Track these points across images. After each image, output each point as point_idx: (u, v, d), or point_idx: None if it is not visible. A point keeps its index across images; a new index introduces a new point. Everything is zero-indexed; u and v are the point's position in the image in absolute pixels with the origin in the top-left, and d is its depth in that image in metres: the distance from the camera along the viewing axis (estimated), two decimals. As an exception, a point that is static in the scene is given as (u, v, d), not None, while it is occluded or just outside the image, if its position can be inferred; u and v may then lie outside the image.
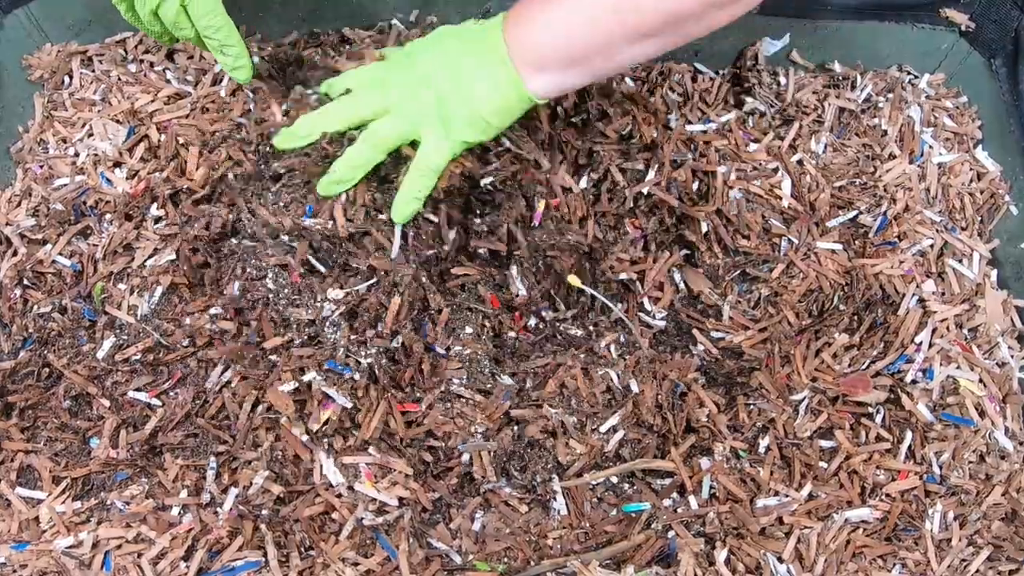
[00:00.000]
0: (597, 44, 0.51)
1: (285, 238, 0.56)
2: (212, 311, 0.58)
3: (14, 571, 0.52)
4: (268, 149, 0.57)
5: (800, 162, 0.67)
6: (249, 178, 0.60)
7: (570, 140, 0.61)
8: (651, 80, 0.71)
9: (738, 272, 0.65)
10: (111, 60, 0.71)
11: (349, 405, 0.54)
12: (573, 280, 0.59)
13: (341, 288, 0.55)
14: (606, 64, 0.52)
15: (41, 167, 0.66)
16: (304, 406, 0.54)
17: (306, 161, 0.55)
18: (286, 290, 0.56)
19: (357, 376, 0.54)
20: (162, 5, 0.56)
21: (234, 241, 0.60)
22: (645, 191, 0.61)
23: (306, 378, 0.54)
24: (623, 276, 0.62)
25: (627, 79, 0.71)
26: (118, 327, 0.59)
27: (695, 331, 0.63)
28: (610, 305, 0.61)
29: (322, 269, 0.56)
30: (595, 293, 0.60)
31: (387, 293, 0.55)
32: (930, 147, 0.69)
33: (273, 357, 0.56)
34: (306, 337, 0.55)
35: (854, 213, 0.66)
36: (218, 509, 0.53)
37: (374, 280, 0.55)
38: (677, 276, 0.64)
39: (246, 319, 0.57)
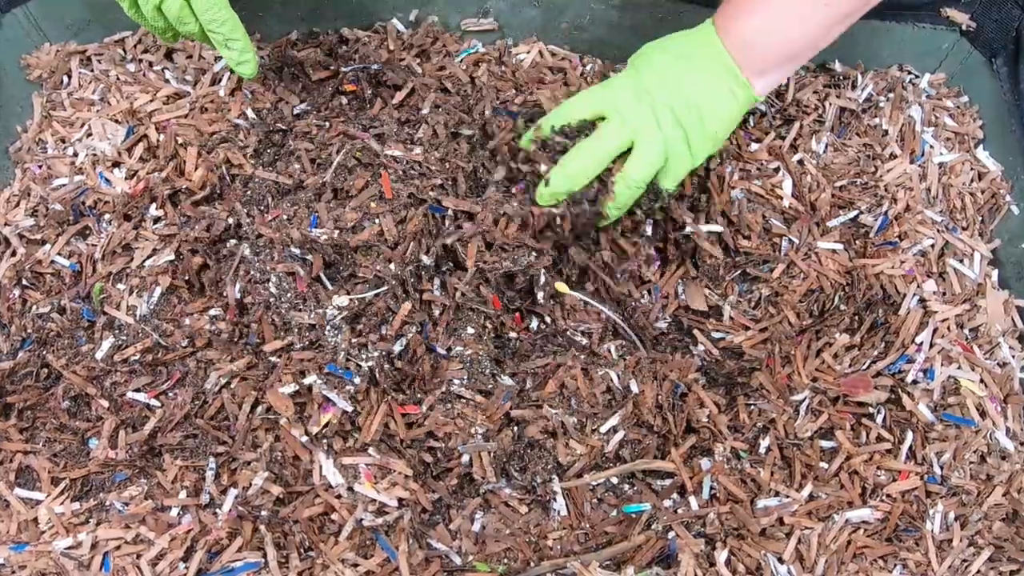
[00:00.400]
0: (814, 38, 0.53)
1: (296, 250, 0.56)
2: (212, 312, 0.58)
3: (13, 572, 0.51)
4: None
5: (801, 162, 0.67)
6: (248, 181, 0.60)
7: None
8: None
9: (738, 272, 0.65)
10: (110, 60, 0.70)
11: (350, 409, 0.54)
12: (561, 287, 0.59)
13: (348, 295, 0.55)
14: (816, 52, 0.55)
15: (40, 167, 0.66)
16: (304, 408, 0.54)
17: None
18: (289, 294, 0.56)
19: (358, 380, 0.54)
20: (166, 0, 0.55)
21: (234, 242, 0.60)
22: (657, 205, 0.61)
23: (307, 381, 0.54)
24: (632, 291, 0.62)
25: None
26: (117, 327, 0.59)
27: (695, 331, 0.63)
28: (609, 313, 0.61)
29: (329, 286, 0.56)
30: (587, 299, 0.60)
31: (395, 299, 0.55)
32: (931, 147, 0.68)
33: (273, 359, 0.56)
34: (307, 341, 0.55)
35: (855, 213, 0.66)
36: (217, 510, 0.53)
37: (384, 288, 0.55)
38: (680, 287, 0.64)
39: (246, 321, 0.57)
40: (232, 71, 0.68)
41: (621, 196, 0.56)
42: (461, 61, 0.71)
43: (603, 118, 0.56)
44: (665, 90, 0.54)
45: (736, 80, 0.54)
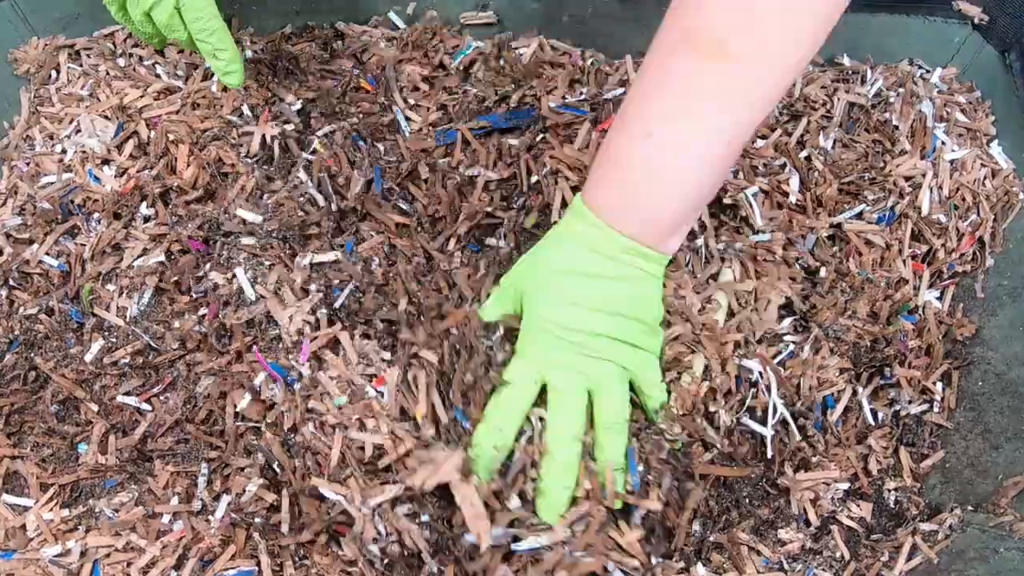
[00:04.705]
0: (715, 184, 0.46)
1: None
2: (201, 312, 0.57)
3: (0, 581, 0.51)
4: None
5: (808, 158, 0.66)
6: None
7: None
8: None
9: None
10: (99, 54, 0.69)
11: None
12: None
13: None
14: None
15: (27, 164, 0.64)
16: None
17: None
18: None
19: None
20: (155, 7, 0.55)
21: (226, 241, 0.58)
22: None
23: (256, 382, 0.53)
24: None
25: (632, 73, 0.69)
26: (106, 329, 0.58)
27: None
28: None
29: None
30: None
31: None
32: (942, 143, 0.67)
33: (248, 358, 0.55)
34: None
35: (860, 208, 0.64)
36: (210, 517, 0.52)
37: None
38: None
39: (228, 322, 0.56)
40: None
41: (618, 447, 0.47)
42: (458, 62, 0.70)
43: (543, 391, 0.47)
44: (582, 318, 0.46)
45: (655, 269, 0.47)
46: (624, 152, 0.45)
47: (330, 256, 0.58)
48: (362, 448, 0.50)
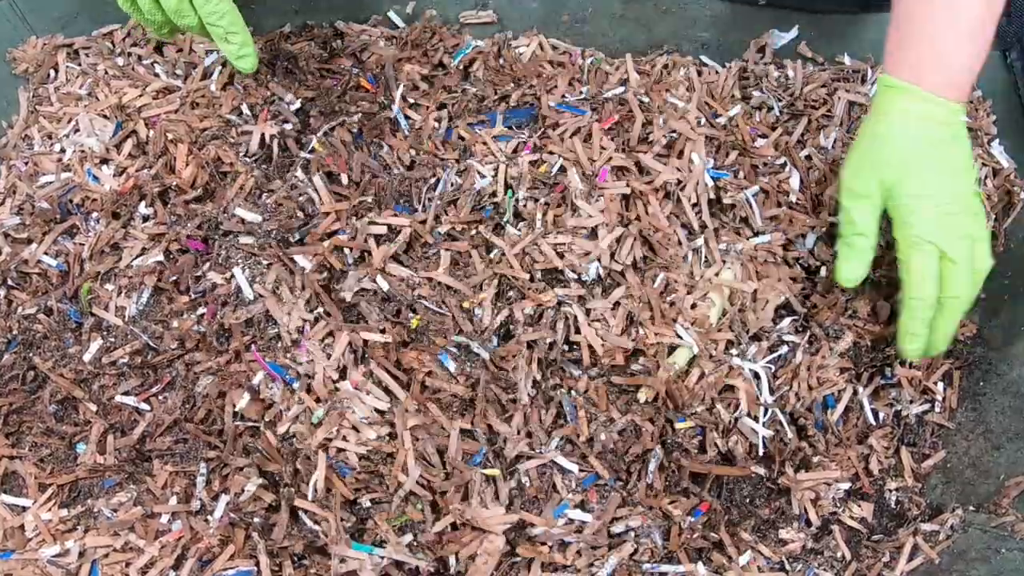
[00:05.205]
0: (987, 44, 0.52)
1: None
2: (199, 311, 0.57)
3: (-2, 581, 0.50)
4: None
5: (809, 157, 0.66)
6: None
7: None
8: (655, 74, 0.70)
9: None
10: (98, 53, 0.69)
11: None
12: None
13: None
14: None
15: (26, 164, 0.64)
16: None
17: None
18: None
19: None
20: None
21: (225, 240, 0.58)
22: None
23: (255, 382, 0.53)
24: None
25: (632, 72, 0.69)
26: (105, 329, 0.58)
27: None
28: None
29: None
30: None
31: None
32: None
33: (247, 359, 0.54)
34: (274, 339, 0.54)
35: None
36: (209, 517, 0.52)
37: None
38: None
39: (227, 322, 0.55)
40: (224, 64, 0.66)
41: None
42: (458, 61, 0.69)
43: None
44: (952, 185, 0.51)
45: (952, 114, 0.51)
46: (925, 20, 0.51)
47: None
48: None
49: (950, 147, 0.51)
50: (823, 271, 0.61)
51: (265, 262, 0.57)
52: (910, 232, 0.51)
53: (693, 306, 0.57)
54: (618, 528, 0.52)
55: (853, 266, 0.54)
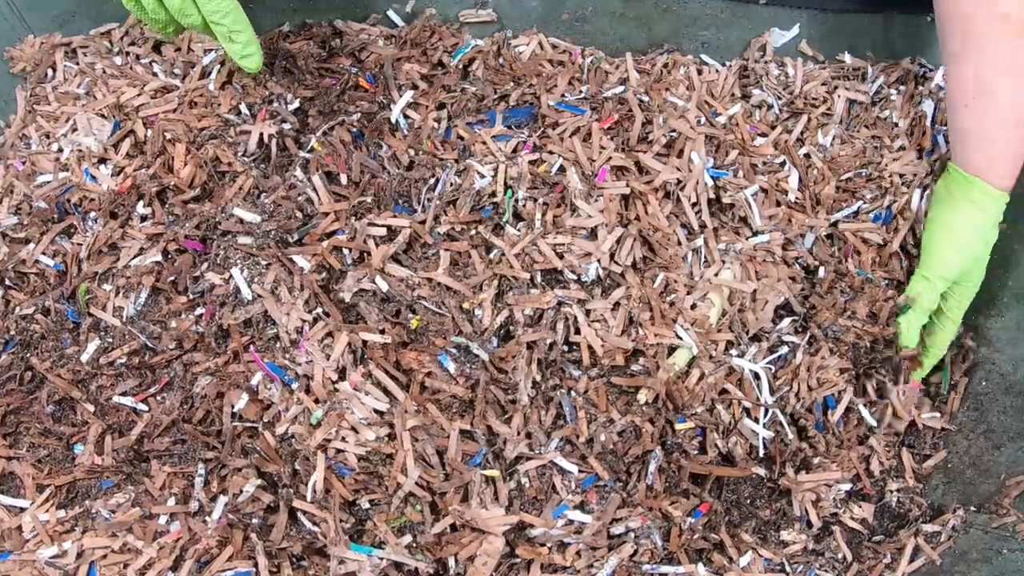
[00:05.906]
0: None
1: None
2: (198, 312, 0.56)
3: (-5, 583, 0.50)
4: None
5: (808, 155, 0.65)
6: None
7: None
8: (655, 73, 0.69)
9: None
10: (96, 52, 0.68)
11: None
12: None
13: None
14: None
15: (23, 163, 0.64)
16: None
17: None
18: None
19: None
20: None
21: (223, 241, 0.58)
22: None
23: (253, 382, 0.53)
24: None
25: (632, 71, 0.69)
26: (103, 329, 0.57)
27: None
28: None
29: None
30: None
31: None
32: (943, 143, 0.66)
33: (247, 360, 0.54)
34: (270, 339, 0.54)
35: (857, 206, 0.64)
36: (207, 518, 0.52)
37: None
38: None
39: (225, 322, 0.55)
40: (222, 63, 0.66)
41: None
42: (457, 60, 0.69)
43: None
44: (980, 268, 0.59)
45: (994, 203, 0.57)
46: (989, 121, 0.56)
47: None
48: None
49: (992, 234, 0.58)
50: (821, 271, 0.61)
51: (264, 262, 0.57)
52: (959, 314, 0.60)
53: (693, 306, 0.57)
54: (618, 529, 0.52)
55: (916, 335, 0.60)
